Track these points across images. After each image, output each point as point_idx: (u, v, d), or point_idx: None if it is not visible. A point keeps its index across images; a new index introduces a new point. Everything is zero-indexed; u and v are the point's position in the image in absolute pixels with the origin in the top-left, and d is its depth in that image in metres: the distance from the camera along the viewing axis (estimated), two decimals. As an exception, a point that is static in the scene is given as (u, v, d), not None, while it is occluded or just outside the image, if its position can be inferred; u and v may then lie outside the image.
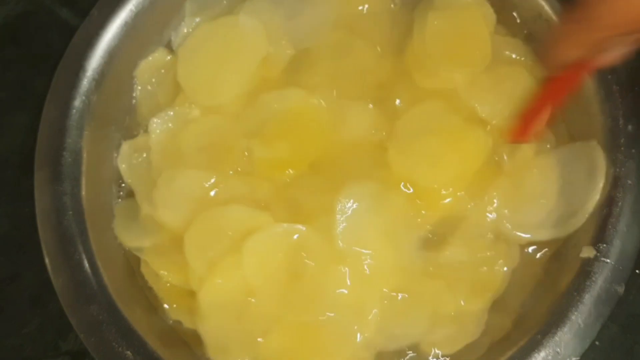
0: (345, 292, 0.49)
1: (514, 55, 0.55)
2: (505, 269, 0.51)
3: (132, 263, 0.54)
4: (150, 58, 0.58)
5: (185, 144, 0.54)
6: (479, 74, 0.54)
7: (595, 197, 0.50)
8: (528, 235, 0.52)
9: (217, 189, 0.53)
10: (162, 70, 0.58)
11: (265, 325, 0.49)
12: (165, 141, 0.55)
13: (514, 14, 0.57)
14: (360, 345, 0.49)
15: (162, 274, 0.52)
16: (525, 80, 0.53)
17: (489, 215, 0.52)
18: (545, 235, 0.52)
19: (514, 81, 0.53)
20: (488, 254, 0.51)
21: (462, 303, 0.50)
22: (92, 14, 0.55)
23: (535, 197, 0.52)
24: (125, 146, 0.56)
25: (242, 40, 0.56)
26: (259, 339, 0.49)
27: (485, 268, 0.51)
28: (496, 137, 0.53)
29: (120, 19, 0.55)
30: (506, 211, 0.52)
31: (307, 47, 0.57)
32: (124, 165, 0.55)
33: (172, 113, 0.55)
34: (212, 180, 0.53)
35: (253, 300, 0.49)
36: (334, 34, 0.56)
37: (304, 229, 0.50)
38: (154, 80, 0.58)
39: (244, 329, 0.49)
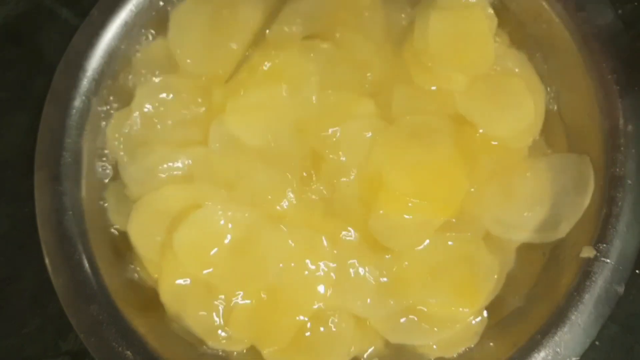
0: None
1: (516, 69, 0.55)
2: (498, 270, 0.51)
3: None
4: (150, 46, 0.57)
5: (166, 115, 0.54)
6: (477, 79, 0.53)
7: (578, 214, 0.50)
8: (508, 235, 0.52)
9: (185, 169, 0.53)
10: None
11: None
12: (148, 111, 0.54)
13: (525, 29, 0.56)
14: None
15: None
16: (523, 94, 0.53)
17: (476, 214, 0.52)
18: (524, 237, 0.52)
19: (510, 93, 0.53)
20: (477, 254, 0.51)
21: (450, 306, 0.50)
22: (92, 14, 0.55)
23: (521, 199, 0.52)
24: (117, 115, 0.55)
25: (236, 12, 0.55)
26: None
27: (475, 269, 0.51)
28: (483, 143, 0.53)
29: (120, 19, 0.55)
30: (492, 209, 0.52)
31: (306, 34, 0.56)
32: (113, 135, 0.54)
33: (157, 80, 0.55)
34: (184, 160, 0.53)
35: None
36: (332, 26, 0.56)
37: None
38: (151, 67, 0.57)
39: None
